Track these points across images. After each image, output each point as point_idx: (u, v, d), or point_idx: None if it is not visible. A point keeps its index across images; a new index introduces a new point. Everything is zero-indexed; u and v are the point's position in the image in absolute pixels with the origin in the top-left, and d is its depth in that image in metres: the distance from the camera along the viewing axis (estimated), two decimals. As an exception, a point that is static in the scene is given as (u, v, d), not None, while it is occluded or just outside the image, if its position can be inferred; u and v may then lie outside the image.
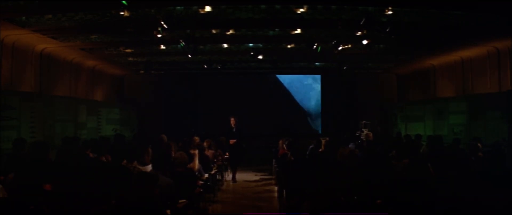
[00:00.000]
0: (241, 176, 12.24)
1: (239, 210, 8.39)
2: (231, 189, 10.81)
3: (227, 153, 11.66)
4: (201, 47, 11.09)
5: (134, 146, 7.18)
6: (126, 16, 7.10)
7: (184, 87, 16.70)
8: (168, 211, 4.89)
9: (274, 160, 11.49)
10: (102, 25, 8.50)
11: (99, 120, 13.24)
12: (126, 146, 8.23)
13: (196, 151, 7.63)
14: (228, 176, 12.14)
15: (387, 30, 7.91)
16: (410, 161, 6.16)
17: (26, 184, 4.05)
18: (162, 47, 10.88)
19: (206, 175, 7.90)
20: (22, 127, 8.97)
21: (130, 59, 13.02)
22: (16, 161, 5.60)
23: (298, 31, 9.27)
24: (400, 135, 12.59)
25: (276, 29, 9.51)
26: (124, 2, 6.58)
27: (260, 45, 11.24)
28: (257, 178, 12.42)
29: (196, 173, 7.22)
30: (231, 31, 9.31)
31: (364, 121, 14.46)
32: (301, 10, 7.64)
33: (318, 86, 17.22)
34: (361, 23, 7.57)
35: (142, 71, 14.61)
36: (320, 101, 17.17)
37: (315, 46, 10.09)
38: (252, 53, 11.35)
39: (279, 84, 17.13)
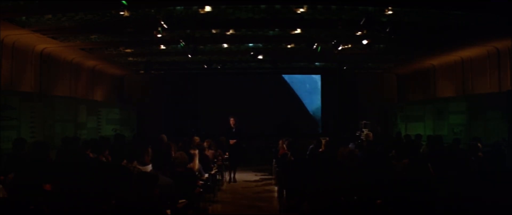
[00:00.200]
0: (241, 176, 12.24)
1: (239, 210, 8.39)
2: (231, 189, 10.81)
3: (227, 153, 11.66)
4: (201, 47, 11.09)
5: (134, 146, 7.18)
6: (126, 16, 7.11)
7: (184, 87, 16.71)
8: (168, 211, 4.88)
9: (274, 160, 11.48)
10: (102, 25, 8.50)
11: (99, 120, 13.24)
12: (126, 146, 8.22)
13: (196, 151, 7.63)
14: (228, 176, 12.14)
15: (387, 30, 7.92)
16: (410, 161, 6.15)
17: (26, 184, 4.05)
18: (162, 47, 10.88)
19: (206, 175, 7.90)
20: (22, 127, 8.97)
21: (130, 59, 13.02)
22: (16, 161, 5.60)
23: (298, 31, 9.27)
24: (400, 135, 12.59)
25: (276, 29, 9.52)
26: (124, 2, 6.59)
27: (260, 45, 11.24)
28: (257, 178, 12.42)
29: (196, 173, 7.22)
30: (231, 31, 9.31)
31: (364, 121, 14.46)
32: (301, 10, 7.64)
33: (318, 86, 17.23)
34: (361, 23, 7.57)
35: (142, 71, 14.62)
36: (320, 101, 17.18)
37: (315, 46, 10.09)
38: (252, 53, 11.35)
39: (279, 84, 17.14)
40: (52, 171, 5.04)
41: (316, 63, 15.04)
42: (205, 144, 9.75)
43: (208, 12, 7.59)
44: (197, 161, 7.49)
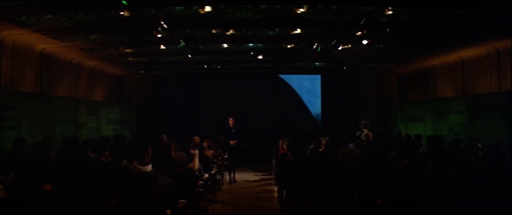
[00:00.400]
0: (241, 176, 12.24)
1: (239, 210, 8.39)
2: (231, 189, 10.81)
3: (227, 153, 11.65)
4: (201, 47, 11.09)
5: (134, 146, 7.17)
6: (126, 16, 7.11)
7: (184, 87, 16.70)
8: (168, 211, 4.88)
9: (274, 160, 11.48)
10: (102, 25, 8.50)
11: (99, 120, 13.23)
12: (126, 146, 8.22)
13: (196, 151, 7.63)
14: (228, 176, 12.14)
15: (387, 30, 7.91)
16: (410, 161, 6.15)
17: (26, 184, 4.04)
18: (162, 47, 10.88)
19: (206, 175, 7.90)
20: (22, 127, 8.97)
21: (130, 59, 13.02)
22: (16, 161, 5.61)
23: (298, 31, 9.27)
24: (400, 135, 12.59)
25: (276, 29, 9.51)
26: (124, 2, 6.59)
27: (260, 45, 11.24)
28: (257, 178, 12.42)
29: (196, 173, 7.22)
30: (231, 31, 9.31)
31: (364, 121, 14.47)
32: (301, 10, 7.64)
33: (318, 86, 17.22)
34: (361, 23, 7.57)
35: (142, 71, 14.61)
36: (320, 101, 17.18)
37: (315, 46, 10.09)
38: (252, 53, 11.34)
39: (279, 84, 17.14)
40: (52, 171, 5.05)
41: (316, 63, 15.04)
42: (205, 144, 9.76)
43: (208, 12, 7.58)
44: (197, 161, 7.49)
